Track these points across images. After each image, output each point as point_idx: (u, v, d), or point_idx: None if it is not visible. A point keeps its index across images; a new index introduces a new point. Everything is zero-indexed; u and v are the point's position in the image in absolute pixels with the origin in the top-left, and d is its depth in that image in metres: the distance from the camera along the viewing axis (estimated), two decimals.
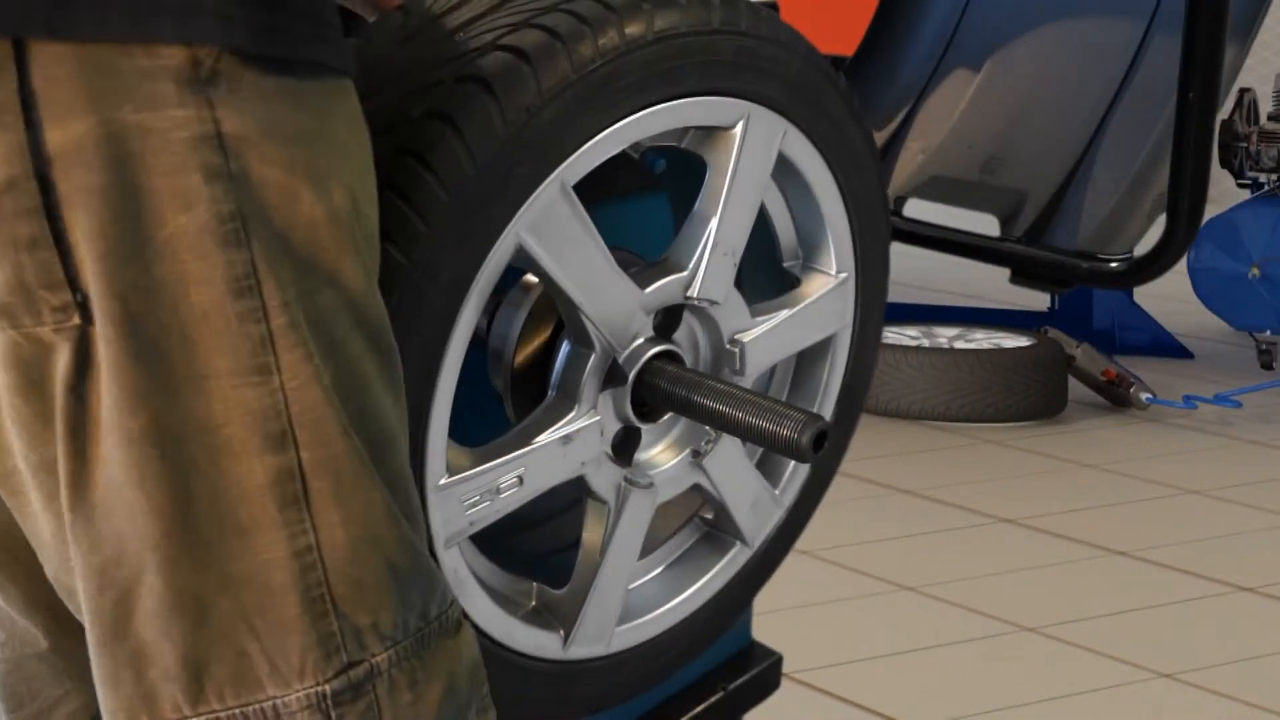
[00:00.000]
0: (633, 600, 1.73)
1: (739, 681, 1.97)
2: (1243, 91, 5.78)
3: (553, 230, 1.53)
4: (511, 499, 1.57)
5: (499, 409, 1.66)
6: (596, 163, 1.55)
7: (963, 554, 4.27)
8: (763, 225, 1.75)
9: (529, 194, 1.51)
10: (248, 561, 1.21)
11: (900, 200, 4.64)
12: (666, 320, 1.66)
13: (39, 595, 1.37)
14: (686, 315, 1.67)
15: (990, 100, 4.74)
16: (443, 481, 1.53)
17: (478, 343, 1.60)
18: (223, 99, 1.18)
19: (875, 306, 1.84)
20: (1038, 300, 6.03)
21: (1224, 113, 5.27)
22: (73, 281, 1.17)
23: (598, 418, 1.61)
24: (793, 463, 1.79)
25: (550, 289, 1.58)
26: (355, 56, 1.30)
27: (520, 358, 1.63)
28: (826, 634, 3.79)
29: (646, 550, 1.74)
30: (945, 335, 5.61)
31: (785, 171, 1.72)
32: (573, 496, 1.67)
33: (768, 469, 1.80)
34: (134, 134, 1.16)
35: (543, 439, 1.58)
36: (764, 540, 1.82)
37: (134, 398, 1.18)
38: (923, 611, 3.92)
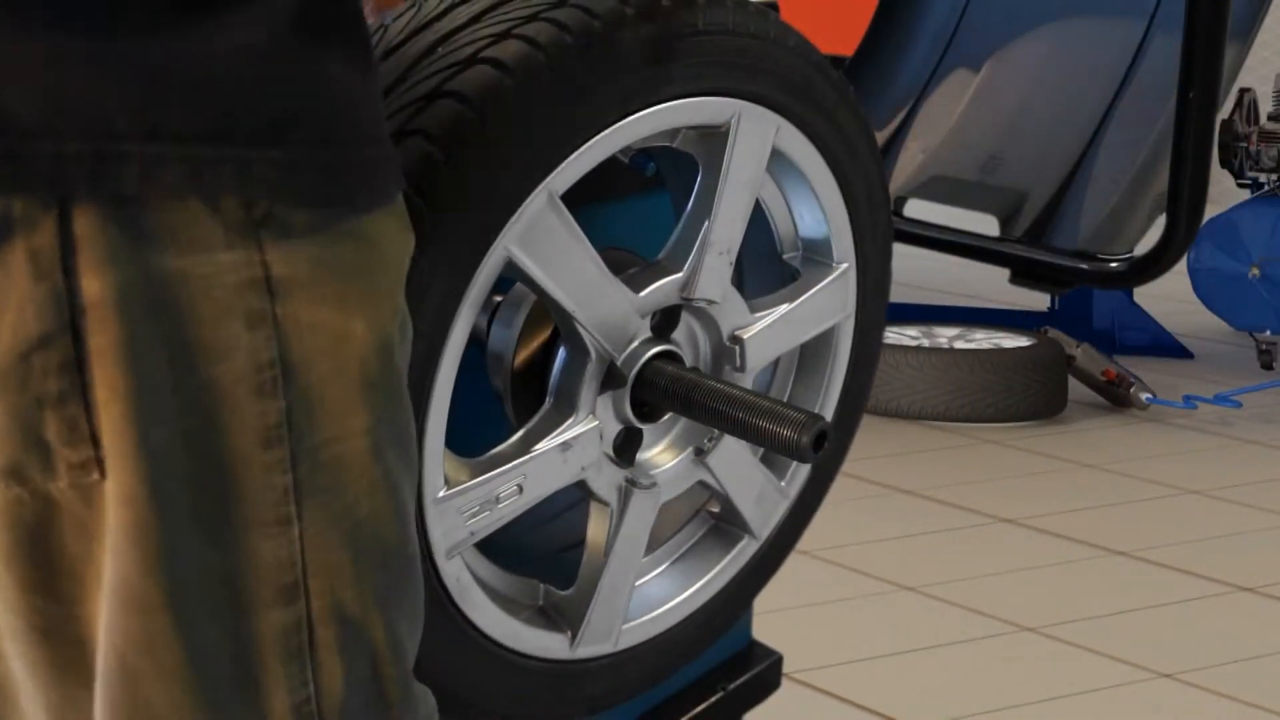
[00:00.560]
0: (640, 596, 1.73)
1: (739, 681, 1.97)
2: (1243, 91, 5.78)
3: (542, 241, 1.52)
4: (511, 507, 1.57)
5: (499, 410, 1.66)
6: (584, 171, 1.55)
7: (963, 554, 4.27)
8: (760, 218, 1.75)
9: (516, 207, 1.50)
10: (247, 719, 1.18)
11: (900, 200, 4.64)
12: (665, 320, 1.65)
13: None
14: (685, 315, 1.67)
15: (990, 100, 4.74)
16: (441, 495, 1.53)
17: (477, 343, 1.60)
18: (274, 240, 1.12)
19: (877, 295, 1.84)
20: (1038, 300, 6.03)
21: (1224, 113, 5.27)
22: (95, 438, 1.12)
23: (596, 422, 1.61)
24: None
25: (542, 299, 1.58)
26: None
27: (520, 359, 1.63)
28: (826, 634, 3.79)
29: (653, 545, 1.74)
30: (945, 335, 5.61)
31: (780, 165, 1.72)
32: (575, 495, 1.67)
33: (772, 461, 1.80)
34: (175, 281, 1.11)
35: (541, 447, 1.58)
36: (771, 532, 1.82)
37: (154, 560, 1.13)
38: (923, 611, 3.92)
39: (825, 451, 1.61)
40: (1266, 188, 5.79)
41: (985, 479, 4.85)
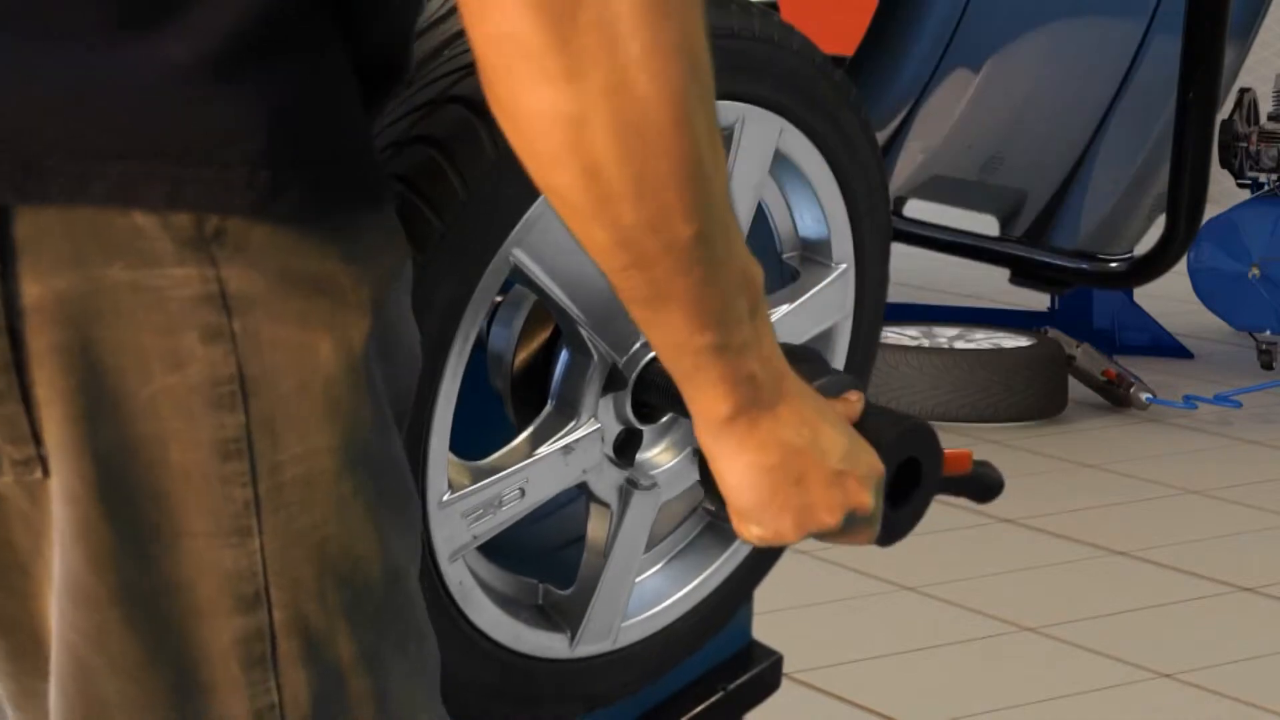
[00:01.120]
0: (639, 594, 1.73)
1: (739, 681, 1.97)
2: (1243, 91, 5.78)
3: (545, 246, 1.52)
4: (513, 511, 1.58)
5: (499, 410, 1.66)
6: None
7: (963, 554, 4.27)
8: (760, 219, 1.75)
9: (521, 214, 1.50)
10: None
11: (900, 200, 4.64)
12: None
13: None
14: None
15: (990, 100, 4.75)
16: (445, 499, 1.53)
17: (477, 344, 1.60)
18: (229, 257, 1.12)
19: (876, 296, 1.84)
20: (1038, 300, 6.03)
21: (1224, 113, 5.27)
22: (37, 436, 1.13)
23: (598, 425, 1.61)
24: None
25: (546, 303, 1.58)
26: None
27: (520, 360, 1.63)
28: (826, 634, 3.79)
29: (651, 543, 1.74)
30: (945, 335, 5.61)
31: (781, 166, 1.72)
32: (572, 492, 1.67)
33: None
34: (125, 291, 1.11)
35: (543, 450, 1.58)
36: None
37: (102, 559, 1.14)
38: (923, 611, 3.92)
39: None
40: (1266, 188, 5.79)
41: None
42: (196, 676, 1.17)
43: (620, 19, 1.08)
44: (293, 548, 1.16)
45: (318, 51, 1.15)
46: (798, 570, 4.08)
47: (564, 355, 1.59)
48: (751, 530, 1.30)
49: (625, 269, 1.16)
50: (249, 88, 1.12)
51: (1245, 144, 5.78)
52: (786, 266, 1.80)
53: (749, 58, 1.64)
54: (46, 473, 1.14)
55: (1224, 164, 5.79)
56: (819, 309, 1.78)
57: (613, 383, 1.62)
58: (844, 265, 1.79)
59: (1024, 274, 4.20)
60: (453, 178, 1.46)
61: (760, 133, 1.67)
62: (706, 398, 1.24)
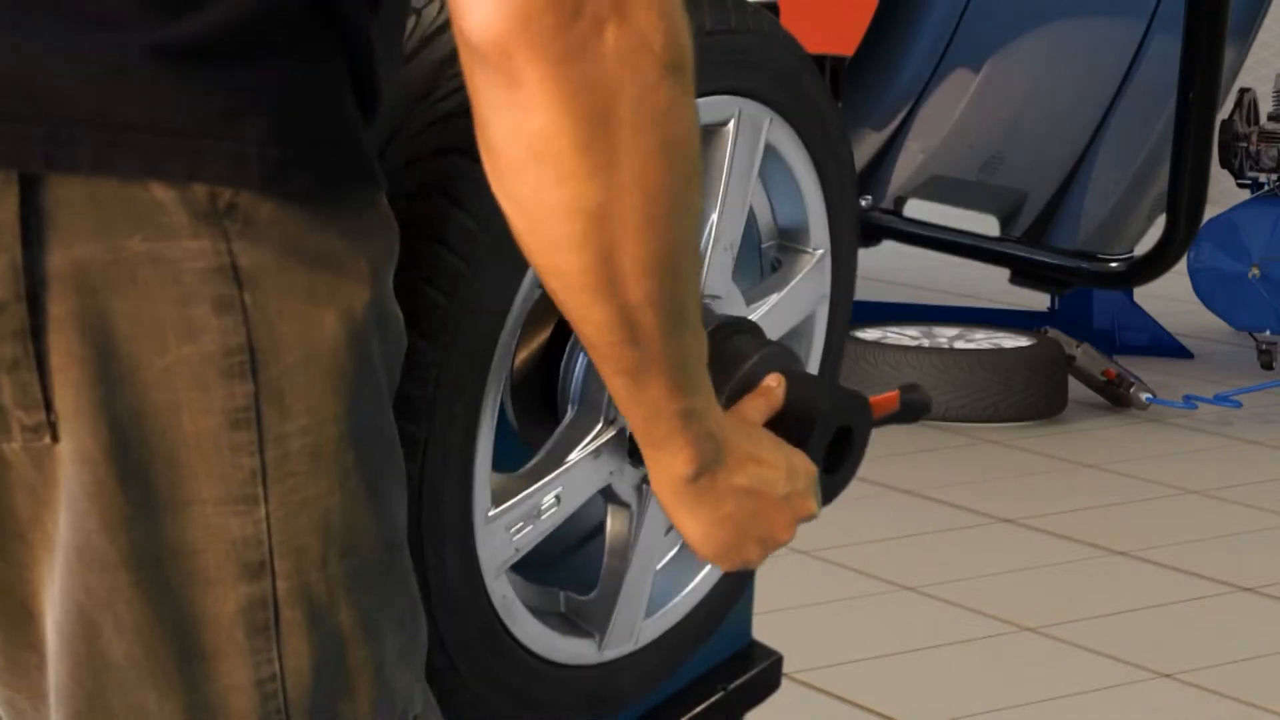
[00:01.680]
0: (654, 592, 1.74)
1: (739, 681, 1.97)
2: (1243, 91, 5.79)
3: None
4: (551, 519, 1.58)
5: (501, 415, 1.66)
6: None
7: (963, 554, 4.27)
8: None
9: None
10: (209, 687, 1.21)
11: (900, 200, 4.65)
12: None
13: None
14: None
15: (990, 100, 4.75)
16: (491, 513, 1.53)
17: None
18: (239, 231, 1.17)
19: (848, 279, 1.86)
20: (1038, 300, 6.03)
21: (1224, 113, 5.27)
22: (48, 403, 1.16)
23: (623, 424, 1.61)
24: None
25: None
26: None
27: (520, 362, 1.63)
28: (826, 634, 3.79)
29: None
30: (945, 335, 5.61)
31: (767, 156, 1.74)
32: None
33: None
34: (143, 262, 1.15)
35: (575, 456, 1.58)
36: None
37: (115, 522, 1.17)
38: (923, 611, 3.93)
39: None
40: (1266, 188, 5.80)
41: (985, 479, 4.85)
42: (201, 642, 1.20)
43: (644, 114, 1.16)
44: (297, 517, 1.20)
45: (318, 48, 1.20)
46: (798, 570, 4.08)
47: (582, 358, 1.60)
48: (718, 563, 1.42)
49: (621, 343, 1.24)
50: (261, 72, 1.17)
51: (1245, 144, 5.78)
52: (766, 255, 1.81)
53: (745, 52, 1.66)
54: (56, 438, 1.16)
55: (1224, 164, 5.79)
56: (802, 296, 1.79)
57: None
58: (821, 250, 1.80)
59: (1024, 274, 4.20)
60: (485, 185, 1.46)
61: (754, 125, 1.68)
62: (676, 461, 1.33)
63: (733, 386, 1.50)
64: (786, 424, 1.48)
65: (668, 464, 1.34)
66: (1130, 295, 6.06)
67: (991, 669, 3.64)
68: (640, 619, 1.71)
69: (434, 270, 1.44)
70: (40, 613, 1.22)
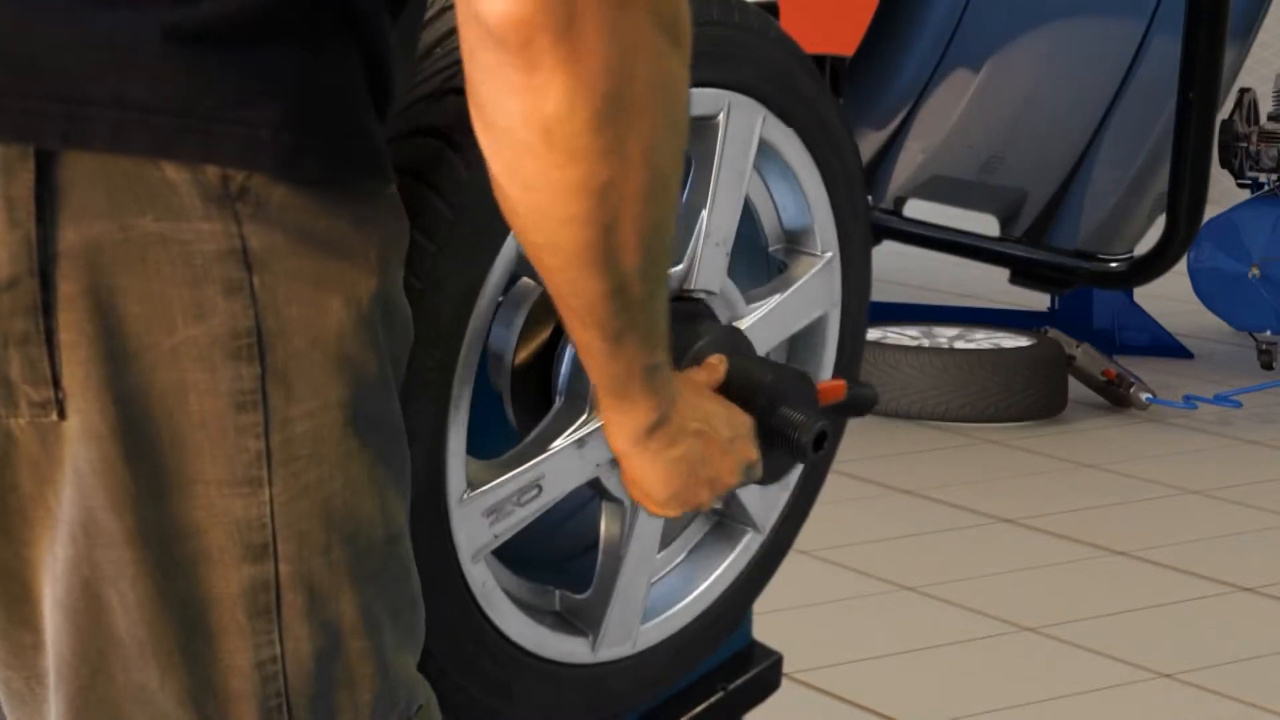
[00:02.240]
0: (654, 596, 1.74)
1: (739, 681, 1.97)
2: (1243, 91, 5.79)
3: None
4: (532, 507, 1.58)
5: (500, 411, 1.66)
6: None
7: (963, 554, 4.28)
8: (744, 211, 1.76)
9: None
10: (211, 667, 1.21)
11: (900, 200, 4.64)
12: None
13: None
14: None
15: (990, 100, 4.74)
16: (464, 497, 1.53)
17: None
18: (251, 214, 1.17)
19: (861, 284, 1.85)
20: (1038, 300, 6.03)
21: (1224, 113, 5.27)
22: (56, 379, 1.17)
23: None
24: None
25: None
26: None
27: (521, 358, 1.63)
28: (826, 634, 3.79)
29: (661, 545, 1.74)
30: (945, 335, 5.61)
31: (765, 155, 1.73)
32: (583, 499, 1.68)
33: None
34: (155, 243, 1.16)
35: (558, 444, 1.58)
36: (774, 524, 1.83)
37: (121, 499, 1.18)
38: (923, 611, 3.93)
39: (824, 450, 1.62)
40: (1266, 188, 5.80)
41: (985, 479, 4.85)
42: (203, 621, 1.20)
43: (653, 91, 1.18)
44: (300, 500, 1.20)
45: (333, 37, 1.21)
46: (798, 570, 4.08)
47: (569, 349, 1.60)
48: (670, 509, 1.48)
49: (611, 311, 1.26)
50: (276, 57, 1.18)
51: (1245, 144, 5.78)
52: (773, 258, 1.81)
53: (732, 45, 1.66)
54: (63, 415, 1.17)
55: (1224, 164, 5.80)
56: (808, 298, 1.79)
57: None
58: (830, 254, 1.80)
59: (1024, 274, 4.20)
60: (458, 165, 1.46)
61: (745, 120, 1.68)
62: (639, 409, 1.37)
63: (684, 364, 1.56)
64: (730, 397, 1.55)
65: (631, 414, 1.37)
66: (1130, 295, 6.06)
67: (991, 669, 3.64)
68: (638, 622, 1.71)
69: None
70: (38, 591, 1.22)
